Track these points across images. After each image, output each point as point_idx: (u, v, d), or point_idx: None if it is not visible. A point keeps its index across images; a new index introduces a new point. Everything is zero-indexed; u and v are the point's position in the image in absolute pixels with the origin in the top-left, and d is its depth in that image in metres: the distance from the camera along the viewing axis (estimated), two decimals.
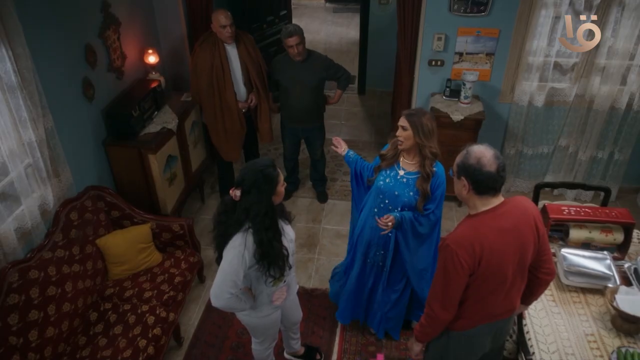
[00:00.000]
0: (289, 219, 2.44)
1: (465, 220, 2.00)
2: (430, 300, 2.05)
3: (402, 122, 2.53)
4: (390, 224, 2.60)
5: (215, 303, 2.20)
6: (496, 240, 1.90)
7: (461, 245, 1.89)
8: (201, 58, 3.84)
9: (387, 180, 2.69)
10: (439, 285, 2.00)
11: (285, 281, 2.40)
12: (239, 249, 2.13)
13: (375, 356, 2.59)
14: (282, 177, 2.22)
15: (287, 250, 2.29)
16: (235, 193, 2.15)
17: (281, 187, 2.22)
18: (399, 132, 2.55)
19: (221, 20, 3.71)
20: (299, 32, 3.74)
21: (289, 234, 2.37)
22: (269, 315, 2.49)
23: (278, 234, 2.23)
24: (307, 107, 4.00)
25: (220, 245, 2.24)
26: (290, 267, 2.36)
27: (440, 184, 2.61)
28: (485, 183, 1.88)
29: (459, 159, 1.95)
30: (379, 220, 2.63)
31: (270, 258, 2.20)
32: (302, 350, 3.12)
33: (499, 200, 1.95)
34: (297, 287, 2.74)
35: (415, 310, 3.15)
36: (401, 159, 2.67)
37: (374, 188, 2.76)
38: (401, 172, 2.66)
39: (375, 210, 2.77)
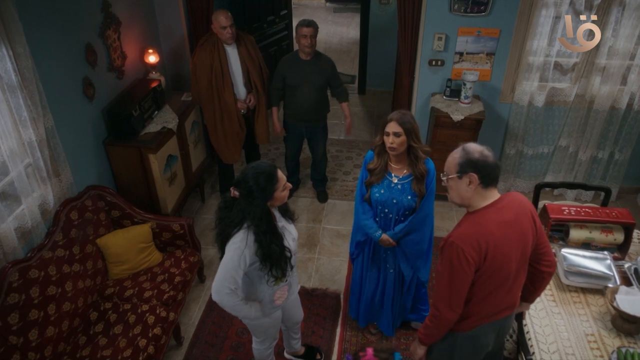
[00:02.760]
0: (292, 218, 2.43)
1: (467, 217, 2.00)
2: (436, 301, 2.04)
3: (395, 128, 2.46)
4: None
5: (215, 297, 2.20)
6: (500, 234, 1.91)
7: (466, 241, 1.89)
8: (201, 59, 3.84)
9: (382, 192, 2.67)
10: (444, 284, 1.99)
11: (287, 281, 2.40)
12: (239, 246, 2.14)
13: (364, 350, 2.57)
14: (283, 182, 2.19)
15: (289, 251, 2.29)
16: (235, 192, 2.16)
17: (281, 192, 2.20)
18: (393, 140, 2.48)
19: (221, 21, 3.71)
20: (315, 25, 3.80)
21: (291, 232, 2.37)
22: (270, 314, 2.49)
23: (277, 237, 2.23)
24: (313, 106, 4.01)
25: (222, 244, 2.24)
26: (292, 268, 2.36)
27: (432, 178, 2.63)
28: (493, 173, 1.94)
29: (458, 158, 1.95)
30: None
31: (272, 260, 2.21)
32: (302, 350, 3.12)
33: (496, 194, 1.98)
34: (299, 287, 2.74)
35: (415, 308, 3.15)
36: (391, 167, 2.65)
37: (372, 200, 2.73)
38: (394, 180, 2.64)
39: (377, 219, 2.78)
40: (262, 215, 2.15)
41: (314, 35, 3.78)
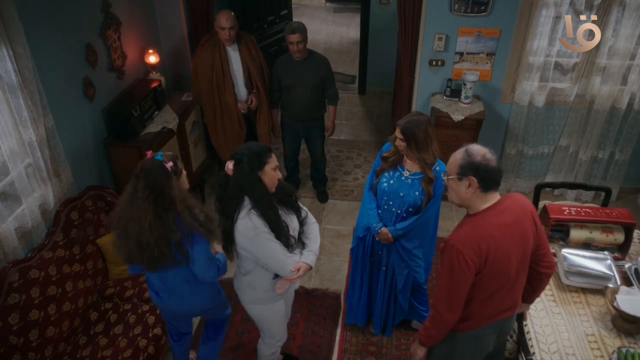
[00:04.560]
0: (294, 208, 2.43)
1: (468, 220, 1.99)
2: (436, 303, 2.04)
3: (398, 134, 2.54)
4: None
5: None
6: (500, 236, 1.91)
7: (466, 244, 1.89)
8: (202, 59, 3.85)
9: (390, 182, 2.68)
10: (444, 287, 1.99)
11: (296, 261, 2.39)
12: (256, 232, 2.21)
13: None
14: (274, 160, 2.26)
15: (285, 224, 2.32)
16: (229, 166, 2.21)
17: (272, 170, 2.25)
18: (398, 142, 2.57)
19: (221, 22, 3.72)
20: (301, 30, 3.74)
21: (292, 221, 2.39)
22: (273, 303, 2.51)
23: (273, 205, 2.28)
24: (308, 106, 4.01)
25: (227, 236, 2.28)
26: (294, 243, 2.36)
27: (442, 184, 2.61)
28: (493, 178, 1.91)
29: (460, 160, 1.94)
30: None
31: (273, 226, 2.26)
32: (280, 358, 3.07)
33: (497, 196, 1.97)
34: (297, 284, 2.75)
35: (414, 309, 3.15)
36: (405, 160, 2.67)
37: (378, 190, 2.75)
38: (406, 173, 2.66)
39: (379, 212, 2.78)
40: (255, 182, 2.21)
41: (301, 41, 3.75)
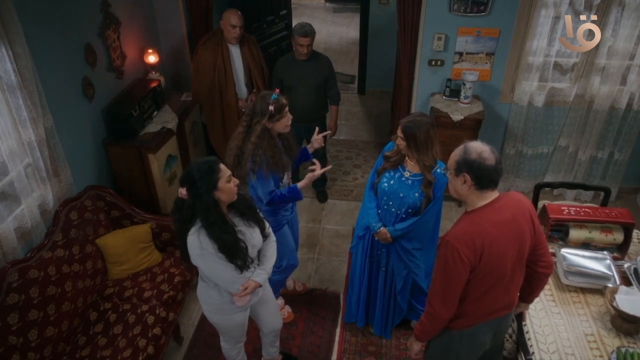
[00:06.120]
0: (256, 222, 2.37)
1: (464, 217, 2.00)
2: (431, 298, 2.06)
3: (399, 132, 2.55)
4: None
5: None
6: (496, 234, 1.91)
7: (461, 240, 1.90)
8: (204, 57, 3.85)
9: (391, 182, 2.68)
10: (439, 282, 2.00)
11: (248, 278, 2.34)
12: (202, 252, 2.17)
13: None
14: (226, 173, 2.18)
15: (244, 243, 2.25)
16: (181, 191, 2.16)
17: (226, 184, 2.16)
18: (399, 141, 2.57)
19: (232, 19, 3.73)
20: (313, 34, 3.77)
21: (253, 237, 2.33)
22: (232, 315, 2.48)
23: (228, 228, 2.20)
24: (310, 105, 4.01)
25: (183, 249, 2.26)
26: (252, 262, 2.31)
27: (442, 185, 2.62)
28: (488, 177, 1.91)
29: (457, 156, 1.96)
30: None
31: (228, 249, 2.19)
32: (279, 358, 3.05)
33: (495, 194, 1.98)
34: (272, 292, 2.74)
35: (414, 309, 3.15)
36: (406, 161, 2.67)
37: (378, 190, 2.75)
38: (406, 174, 2.66)
39: (379, 212, 2.78)
40: (210, 206, 2.14)
41: (310, 44, 3.77)
